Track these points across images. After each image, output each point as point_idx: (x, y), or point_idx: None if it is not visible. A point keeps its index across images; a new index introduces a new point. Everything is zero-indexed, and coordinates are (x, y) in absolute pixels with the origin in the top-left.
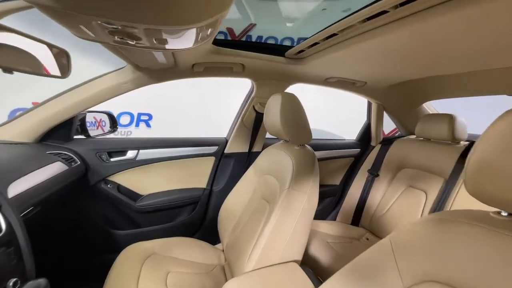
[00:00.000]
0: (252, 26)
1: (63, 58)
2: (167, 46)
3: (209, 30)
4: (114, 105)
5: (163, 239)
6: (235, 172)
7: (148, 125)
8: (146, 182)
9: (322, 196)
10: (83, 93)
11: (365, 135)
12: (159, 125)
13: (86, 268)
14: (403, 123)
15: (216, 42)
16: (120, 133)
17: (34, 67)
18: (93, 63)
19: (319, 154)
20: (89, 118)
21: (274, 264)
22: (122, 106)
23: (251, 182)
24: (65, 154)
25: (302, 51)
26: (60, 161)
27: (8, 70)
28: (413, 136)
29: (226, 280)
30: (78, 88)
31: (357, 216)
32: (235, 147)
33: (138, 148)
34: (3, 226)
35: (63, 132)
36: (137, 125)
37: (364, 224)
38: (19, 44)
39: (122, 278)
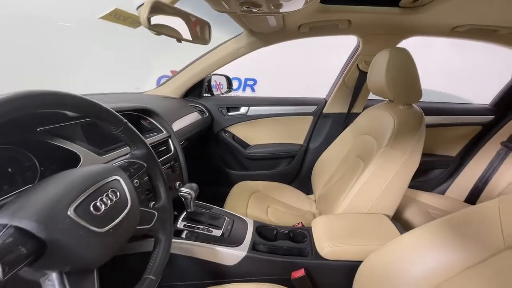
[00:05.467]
0: None
1: (205, 28)
2: (281, 10)
3: None
4: (226, 71)
5: (266, 182)
6: (332, 132)
7: (253, 89)
8: (254, 134)
9: (430, 167)
10: (210, 58)
11: (505, 99)
12: (262, 89)
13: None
14: None
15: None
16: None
17: (183, 35)
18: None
19: (436, 119)
20: (212, 81)
21: (363, 213)
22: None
23: (347, 141)
24: (199, 107)
25: None
26: (197, 111)
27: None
28: None
29: None
30: (207, 55)
31: (474, 194)
32: (334, 107)
33: (249, 105)
34: (172, 149)
35: (197, 91)
36: (243, 89)
37: None
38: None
39: (236, 203)
